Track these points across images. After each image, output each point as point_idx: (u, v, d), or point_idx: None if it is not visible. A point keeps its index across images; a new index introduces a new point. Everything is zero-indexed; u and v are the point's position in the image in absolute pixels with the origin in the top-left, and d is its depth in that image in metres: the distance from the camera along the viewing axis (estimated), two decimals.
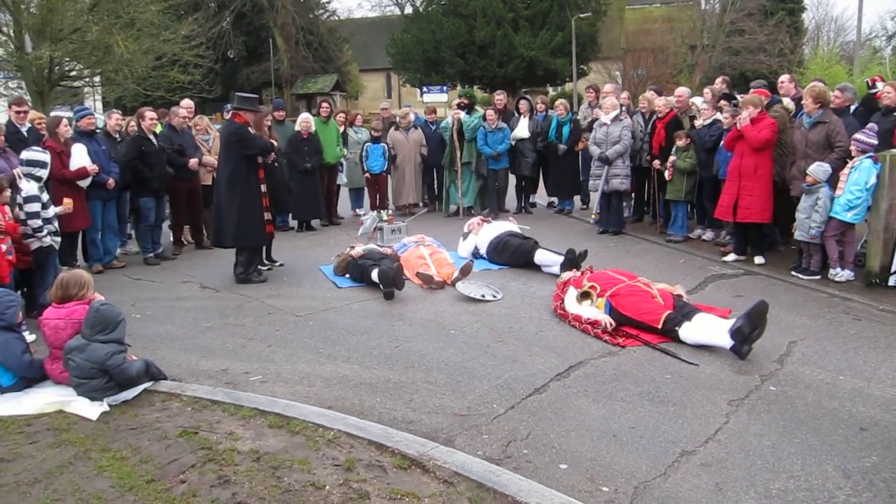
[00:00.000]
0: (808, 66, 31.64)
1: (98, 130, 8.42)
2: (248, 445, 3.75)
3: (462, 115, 10.92)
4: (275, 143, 8.25)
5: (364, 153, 11.11)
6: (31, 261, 6.25)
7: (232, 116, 7.49)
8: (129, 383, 4.42)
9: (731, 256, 7.88)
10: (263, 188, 7.47)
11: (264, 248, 8.10)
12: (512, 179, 11.54)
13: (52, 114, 13.95)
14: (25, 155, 6.62)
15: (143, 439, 3.85)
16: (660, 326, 5.36)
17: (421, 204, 12.03)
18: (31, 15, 16.73)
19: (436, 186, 11.95)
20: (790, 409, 4.23)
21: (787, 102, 8.10)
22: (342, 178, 11.56)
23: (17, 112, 7.76)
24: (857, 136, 6.73)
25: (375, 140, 11.18)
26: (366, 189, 11.76)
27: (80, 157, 7.50)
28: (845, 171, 6.73)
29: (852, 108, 7.96)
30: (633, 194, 10.19)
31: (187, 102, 9.76)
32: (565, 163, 10.92)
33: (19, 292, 6.14)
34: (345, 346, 5.49)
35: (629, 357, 5.12)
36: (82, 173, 7.43)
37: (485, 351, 5.29)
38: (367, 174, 11.20)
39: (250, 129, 7.39)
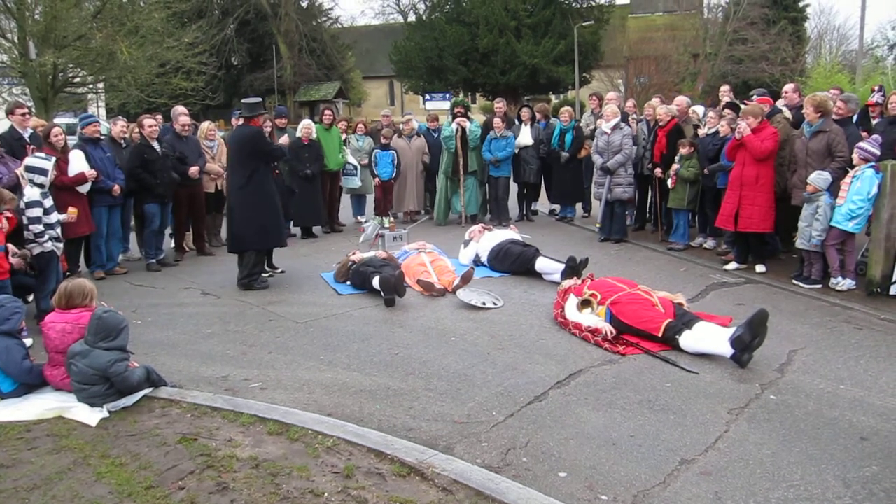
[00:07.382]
0: (810, 75, 31.65)
1: (103, 137, 8.43)
2: (247, 452, 3.75)
3: (467, 123, 10.93)
4: (286, 141, 8.38)
5: (374, 160, 11.16)
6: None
7: (246, 121, 7.54)
8: (129, 391, 4.42)
9: (733, 265, 7.88)
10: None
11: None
12: (514, 187, 11.55)
13: (55, 121, 14.01)
14: (27, 161, 6.65)
15: (143, 446, 3.85)
16: (660, 334, 5.35)
17: (423, 211, 12.04)
18: (36, 22, 16.80)
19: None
20: (790, 418, 4.22)
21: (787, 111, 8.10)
22: (356, 182, 11.49)
23: (21, 116, 7.71)
24: (861, 144, 6.75)
25: (385, 147, 11.23)
26: (367, 196, 11.79)
27: (78, 163, 7.53)
28: (847, 179, 6.73)
29: (854, 118, 7.97)
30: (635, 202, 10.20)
31: (182, 109, 9.52)
32: (568, 170, 10.93)
33: (21, 300, 6.14)
34: (345, 352, 5.49)
35: (629, 365, 5.12)
36: (80, 179, 7.46)
37: (485, 358, 5.28)
38: (376, 179, 11.23)
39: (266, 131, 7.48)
